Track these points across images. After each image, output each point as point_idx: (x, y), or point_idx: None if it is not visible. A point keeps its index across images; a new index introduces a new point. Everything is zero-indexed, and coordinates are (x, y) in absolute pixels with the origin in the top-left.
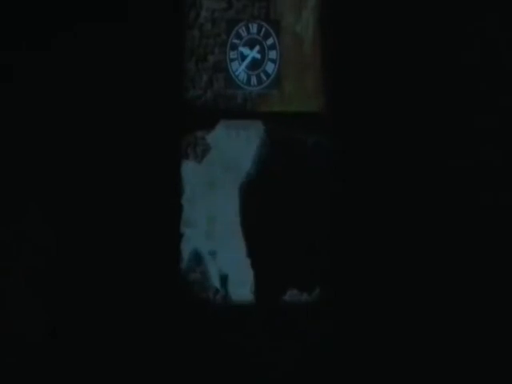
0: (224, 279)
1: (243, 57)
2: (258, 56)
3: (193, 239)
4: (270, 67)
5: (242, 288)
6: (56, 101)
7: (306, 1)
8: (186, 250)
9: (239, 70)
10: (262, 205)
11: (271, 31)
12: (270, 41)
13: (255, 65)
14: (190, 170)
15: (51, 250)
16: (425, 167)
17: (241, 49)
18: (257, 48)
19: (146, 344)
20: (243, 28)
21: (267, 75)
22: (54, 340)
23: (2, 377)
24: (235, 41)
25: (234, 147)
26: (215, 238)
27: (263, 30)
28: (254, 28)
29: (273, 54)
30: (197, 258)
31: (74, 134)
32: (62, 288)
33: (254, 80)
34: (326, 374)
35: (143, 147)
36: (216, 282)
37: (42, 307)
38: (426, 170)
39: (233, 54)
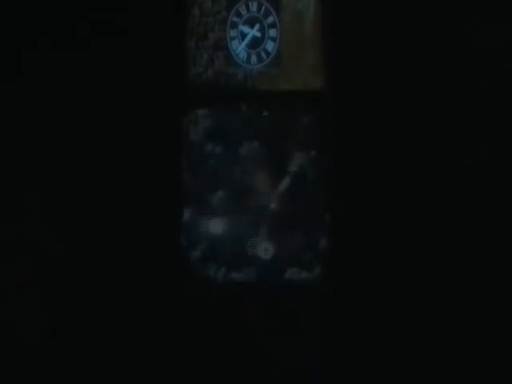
0: (225, 257)
1: (243, 35)
2: (259, 34)
3: (193, 217)
4: (270, 45)
5: (243, 266)
6: (56, 87)
7: None
8: (186, 228)
9: (239, 48)
10: (260, 181)
11: (271, 9)
12: (270, 19)
13: (255, 43)
14: (191, 147)
15: (50, 245)
16: (427, 150)
17: (241, 27)
18: (257, 26)
19: (147, 329)
20: (243, 6)
21: (267, 53)
22: (55, 339)
23: (2, 377)
24: (235, 19)
25: (235, 124)
26: (215, 215)
27: (263, 8)
28: (254, 6)
29: (273, 33)
30: (197, 235)
31: (76, 113)
32: (62, 280)
33: (254, 58)
34: (326, 353)
35: (144, 126)
36: (217, 260)
37: (41, 305)
38: (428, 153)
39: (233, 33)
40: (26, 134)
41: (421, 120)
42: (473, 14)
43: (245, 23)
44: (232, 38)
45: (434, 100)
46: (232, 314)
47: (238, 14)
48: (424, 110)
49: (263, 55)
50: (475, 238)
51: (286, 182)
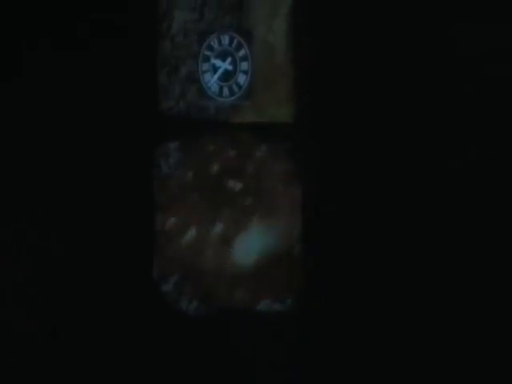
0: (198, 288)
1: (215, 68)
2: (230, 67)
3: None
4: (241, 78)
5: (216, 298)
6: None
7: (278, 9)
8: (157, 260)
9: (211, 81)
10: (233, 213)
11: (243, 42)
12: (241, 52)
13: (227, 76)
14: (163, 178)
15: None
16: (399, 177)
17: (213, 61)
18: (229, 60)
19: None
20: (215, 40)
21: (239, 86)
22: (54, 340)
23: (1, 377)
24: (207, 53)
25: (206, 157)
26: (188, 247)
27: (235, 41)
28: (225, 39)
29: (245, 66)
30: (169, 268)
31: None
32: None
33: (226, 91)
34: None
35: (116, 157)
36: (190, 292)
37: (40, 308)
38: (400, 181)
39: (205, 66)
40: (24, 134)
41: (398, 146)
42: (456, 20)
43: (217, 57)
44: (204, 72)
45: (412, 125)
46: (206, 345)
47: (210, 48)
48: (401, 136)
49: (235, 88)
50: (462, 251)
51: (258, 211)
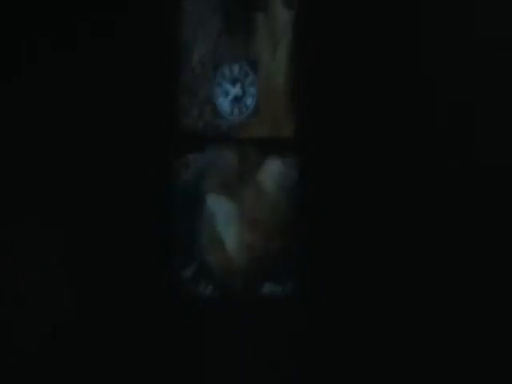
0: (211, 274)
1: (227, 93)
2: (240, 92)
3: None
4: (249, 100)
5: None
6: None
7: (280, 43)
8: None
9: (224, 103)
10: (242, 212)
11: (250, 71)
12: (249, 79)
13: (237, 99)
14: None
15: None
16: (398, 182)
17: (225, 86)
18: (238, 85)
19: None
20: (227, 68)
21: (247, 107)
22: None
23: (2, 378)
24: (220, 79)
25: (220, 167)
26: (202, 240)
27: (244, 69)
28: (235, 68)
29: (252, 90)
30: (187, 258)
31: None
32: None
33: (236, 111)
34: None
35: (143, 166)
36: (206, 278)
37: (43, 305)
38: (398, 185)
39: (219, 91)
40: (56, 151)
41: (389, 164)
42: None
43: (229, 83)
44: (218, 95)
45: (402, 141)
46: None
47: (223, 75)
48: (392, 154)
49: (244, 109)
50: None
51: (262, 212)
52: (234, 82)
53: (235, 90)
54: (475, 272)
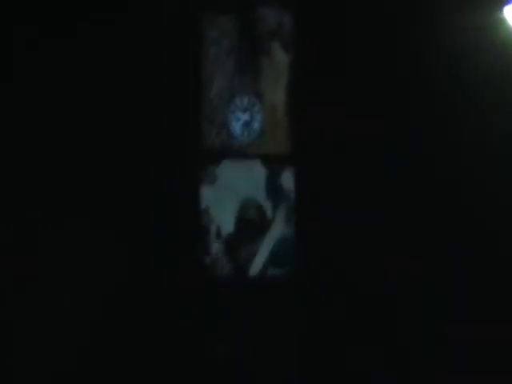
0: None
1: (238, 119)
2: (249, 118)
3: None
4: (256, 125)
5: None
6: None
7: (280, 80)
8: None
9: (236, 127)
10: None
11: (257, 102)
12: (256, 108)
13: (246, 124)
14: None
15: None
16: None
17: (237, 114)
18: (248, 113)
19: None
20: (239, 99)
21: (254, 130)
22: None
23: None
24: (233, 108)
25: (234, 177)
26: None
27: (252, 100)
28: (245, 99)
29: (258, 117)
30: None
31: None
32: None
33: (245, 133)
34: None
35: (171, 176)
36: (223, 264)
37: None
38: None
39: (232, 117)
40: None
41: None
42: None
43: (240, 111)
44: (231, 120)
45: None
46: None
47: (236, 105)
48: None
49: (251, 131)
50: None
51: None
52: (244, 110)
53: (245, 117)
54: (471, 272)
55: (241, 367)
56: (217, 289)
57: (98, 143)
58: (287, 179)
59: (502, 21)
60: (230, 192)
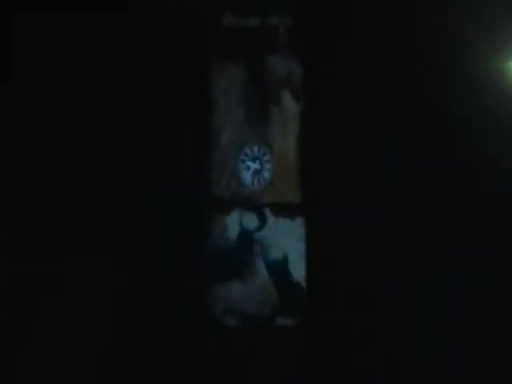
0: (237, 310)
1: (249, 168)
2: (259, 167)
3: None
4: (266, 174)
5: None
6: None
7: (289, 131)
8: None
9: (246, 176)
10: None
11: (267, 151)
12: (266, 157)
13: (257, 173)
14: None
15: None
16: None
17: (247, 163)
18: (257, 162)
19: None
20: (249, 149)
21: (264, 179)
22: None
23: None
24: (244, 157)
25: (243, 226)
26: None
27: (262, 150)
28: (255, 149)
29: (268, 166)
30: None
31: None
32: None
33: (256, 182)
34: None
35: (183, 224)
36: (232, 313)
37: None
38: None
39: (242, 166)
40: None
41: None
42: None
43: (250, 160)
44: (242, 169)
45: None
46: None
47: (246, 154)
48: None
49: (262, 180)
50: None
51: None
52: (254, 159)
53: (255, 166)
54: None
55: None
56: (226, 338)
57: (107, 197)
58: (297, 228)
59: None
60: (239, 240)
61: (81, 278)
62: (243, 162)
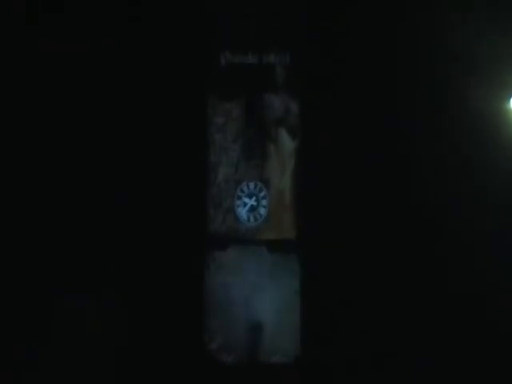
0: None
1: (245, 204)
2: (255, 203)
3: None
4: (262, 210)
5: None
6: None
7: (285, 167)
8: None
9: (242, 212)
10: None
11: (263, 188)
12: (262, 193)
13: (253, 209)
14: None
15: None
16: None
17: (243, 199)
18: (254, 198)
19: None
20: (245, 185)
21: (260, 215)
22: None
23: None
24: (240, 194)
25: (239, 263)
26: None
27: (258, 186)
28: (252, 185)
29: (264, 202)
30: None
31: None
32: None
33: (252, 218)
34: None
35: (180, 262)
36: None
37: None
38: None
39: (238, 202)
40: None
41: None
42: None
43: (246, 196)
44: (238, 206)
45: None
46: None
47: (242, 191)
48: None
49: (258, 216)
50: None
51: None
52: (250, 195)
53: (251, 202)
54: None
55: None
56: (223, 375)
57: (107, 225)
58: (293, 265)
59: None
60: (235, 277)
61: (80, 317)
62: (239, 198)
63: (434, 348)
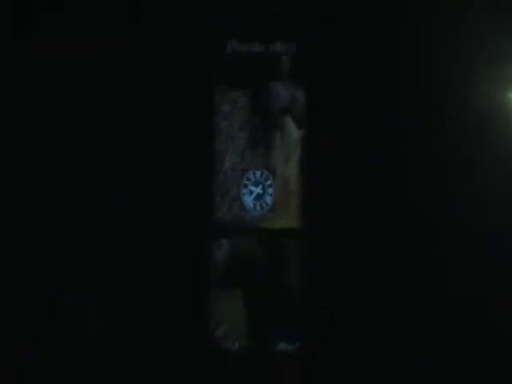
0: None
1: (251, 192)
2: (261, 191)
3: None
4: (268, 199)
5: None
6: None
7: (291, 156)
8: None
9: (248, 200)
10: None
11: (269, 176)
12: (268, 182)
13: (259, 197)
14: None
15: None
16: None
17: (250, 187)
18: (260, 186)
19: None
20: (252, 173)
21: (266, 204)
22: None
23: None
24: (246, 182)
25: (244, 251)
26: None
27: (264, 175)
28: (258, 174)
29: (270, 191)
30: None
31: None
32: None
33: (258, 207)
34: None
35: (185, 249)
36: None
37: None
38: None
39: (244, 191)
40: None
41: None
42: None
43: (252, 184)
44: (244, 194)
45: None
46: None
47: (248, 179)
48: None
49: (264, 205)
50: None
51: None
52: (256, 184)
53: (257, 190)
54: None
55: None
56: (227, 362)
57: (112, 221)
58: (298, 253)
59: None
60: (240, 265)
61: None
62: (245, 186)
63: (434, 347)
